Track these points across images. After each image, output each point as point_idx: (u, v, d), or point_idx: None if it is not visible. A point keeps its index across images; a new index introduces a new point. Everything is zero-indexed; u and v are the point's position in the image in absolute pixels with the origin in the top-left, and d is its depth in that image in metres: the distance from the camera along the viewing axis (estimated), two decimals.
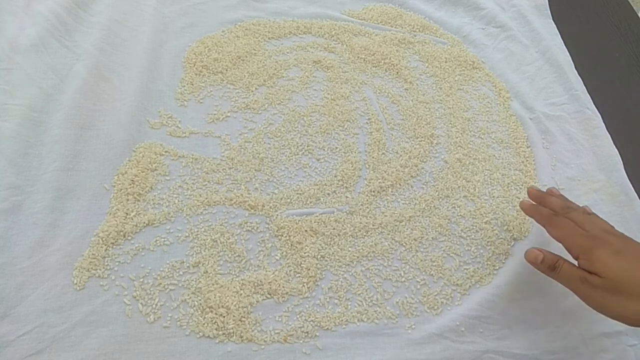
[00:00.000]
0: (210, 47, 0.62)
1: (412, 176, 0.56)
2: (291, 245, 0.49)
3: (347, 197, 0.53)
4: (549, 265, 0.46)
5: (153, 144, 0.53)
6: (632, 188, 0.58)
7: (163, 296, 0.45)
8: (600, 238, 0.44)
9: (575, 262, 0.45)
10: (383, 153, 0.57)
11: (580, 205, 0.49)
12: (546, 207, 0.49)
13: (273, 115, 0.58)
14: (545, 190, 0.52)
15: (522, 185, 0.57)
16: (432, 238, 0.52)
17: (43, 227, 0.45)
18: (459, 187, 0.56)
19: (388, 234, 0.52)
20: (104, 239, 0.46)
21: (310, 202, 0.52)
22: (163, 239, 0.48)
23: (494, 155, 0.59)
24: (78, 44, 0.57)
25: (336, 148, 0.57)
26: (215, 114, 0.57)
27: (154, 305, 0.44)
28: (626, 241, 0.45)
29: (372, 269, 0.49)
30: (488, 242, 0.53)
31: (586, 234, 0.45)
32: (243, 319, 0.44)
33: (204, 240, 0.48)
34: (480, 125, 0.62)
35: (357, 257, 0.50)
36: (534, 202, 0.51)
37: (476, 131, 0.61)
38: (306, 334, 0.45)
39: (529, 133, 0.62)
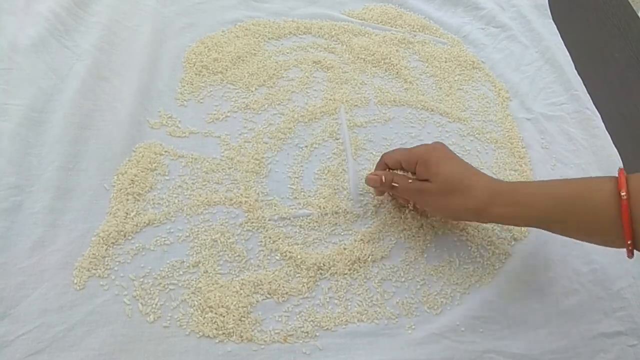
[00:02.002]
0: (210, 47, 0.62)
1: None
2: (290, 245, 0.49)
3: (347, 197, 0.53)
4: (389, 183, 0.49)
5: (153, 143, 0.53)
6: None
7: (163, 296, 0.45)
8: (430, 146, 0.48)
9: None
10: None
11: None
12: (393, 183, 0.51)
13: (273, 116, 0.58)
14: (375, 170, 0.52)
15: None
16: (432, 238, 0.52)
17: (43, 226, 0.45)
18: None
19: (388, 234, 0.52)
20: (104, 239, 0.46)
21: (310, 203, 0.52)
22: (163, 239, 0.48)
23: (488, 155, 0.59)
24: (78, 44, 0.57)
25: (337, 148, 0.57)
26: (215, 114, 0.57)
27: (153, 305, 0.44)
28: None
29: (372, 269, 0.49)
30: (488, 242, 0.52)
31: (415, 151, 0.48)
32: (243, 318, 0.44)
33: (204, 240, 0.48)
34: (476, 126, 0.62)
35: (357, 257, 0.50)
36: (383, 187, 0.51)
37: (471, 131, 0.61)
38: (306, 334, 0.45)
39: (527, 133, 0.62)
